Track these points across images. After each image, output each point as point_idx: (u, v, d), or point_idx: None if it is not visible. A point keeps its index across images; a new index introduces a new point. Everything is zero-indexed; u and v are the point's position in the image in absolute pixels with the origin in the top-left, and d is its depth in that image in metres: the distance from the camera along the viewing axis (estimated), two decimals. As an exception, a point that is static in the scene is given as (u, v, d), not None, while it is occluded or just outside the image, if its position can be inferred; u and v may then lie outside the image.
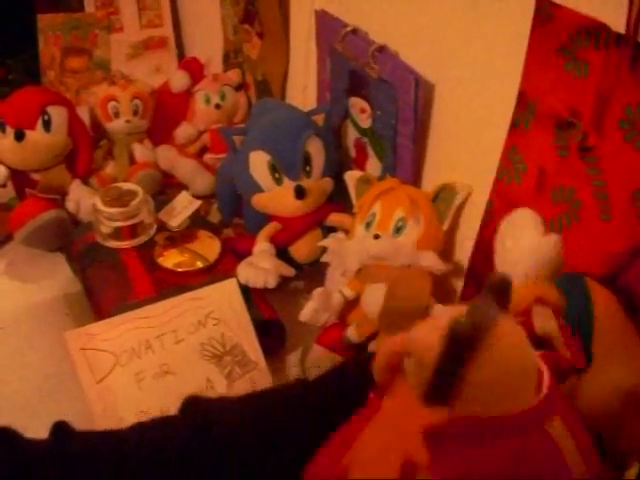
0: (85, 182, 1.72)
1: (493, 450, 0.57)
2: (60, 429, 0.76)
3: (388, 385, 0.69)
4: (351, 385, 0.81)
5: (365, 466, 0.63)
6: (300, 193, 1.38)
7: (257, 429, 0.79)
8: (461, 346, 0.53)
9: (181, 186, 1.78)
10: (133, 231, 1.43)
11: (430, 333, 0.58)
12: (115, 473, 0.72)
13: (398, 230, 1.23)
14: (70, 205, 1.65)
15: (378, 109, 1.35)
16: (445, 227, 1.24)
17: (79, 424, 0.81)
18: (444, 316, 0.58)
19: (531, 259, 0.91)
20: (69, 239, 1.54)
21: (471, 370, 0.54)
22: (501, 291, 0.56)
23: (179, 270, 1.37)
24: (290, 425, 0.81)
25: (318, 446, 0.72)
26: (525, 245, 0.92)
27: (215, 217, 1.71)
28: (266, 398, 0.88)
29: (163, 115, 1.91)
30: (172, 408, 0.85)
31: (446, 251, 1.29)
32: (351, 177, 1.38)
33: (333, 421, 0.74)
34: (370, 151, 1.44)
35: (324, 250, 1.36)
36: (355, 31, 1.34)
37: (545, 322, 0.84)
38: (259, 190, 1.41)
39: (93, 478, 0.71)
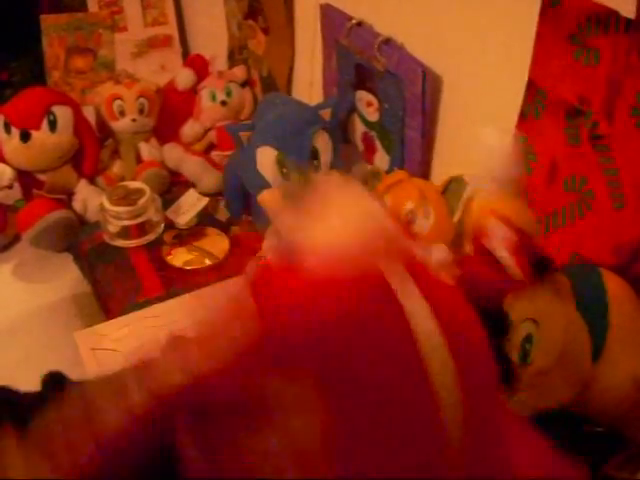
0: (92, 182, 1.71)
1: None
2: (52, 378, 0.73)
3: None
4: None
5: None
6: (308, 188, 1.37)
7: None
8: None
9: (188, 184, 1.77)
10: (141, 230, 1.42)
11: None
12: None
13: (408, 223, 1.22)
14: (77, 205, 1.65)
15: (385, 102, 1.34)
16: (455, 219, 1.23)
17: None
18: None
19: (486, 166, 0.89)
20: (77, 239, 1.53)
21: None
22: None
23: (188, 268, 1.36)
24: None
25: None
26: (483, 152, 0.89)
27: (223, 214, 1.70)
28: None
29: (169, 113, 1.90)
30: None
31: (457, 243, 1.28)
32: (359, 171, 1.37)
33: None
34: (378, 144, 1.43)
35: (334, 245, 1.34)
36: (360, 24, 1.33)
37: (492, 240, 0.82)
38: (267, 186, 1.40)
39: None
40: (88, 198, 1.65)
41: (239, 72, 1.92)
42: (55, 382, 0.73)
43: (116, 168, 1.78)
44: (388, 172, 1.39)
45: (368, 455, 0.56)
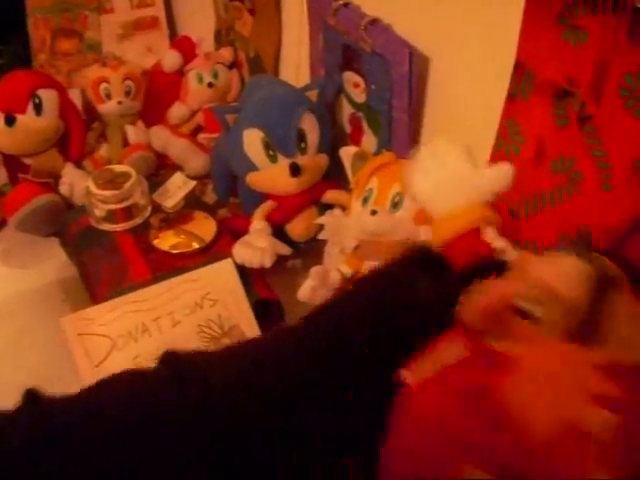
0: (78, 165, 1.70)
1: None
2: (29, 395, 0.69)
3: (488, 330, 0.66)
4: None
5: (547, 410, 0.58)
6: (295, 170, 1.36)
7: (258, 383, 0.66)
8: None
9: (175, 167, 1.77)
10: (127, 213, 1.41)
11: (557, 279, 0.63)
12: (85, 435, 0.64)
13: (395, 205, 1.22)
14: (64, 189, 1.63)
15: (372, 83, 1.33)
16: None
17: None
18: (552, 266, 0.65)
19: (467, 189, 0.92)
20: (63, 223, 1.52)
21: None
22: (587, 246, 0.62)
23: (175, 252, 1.35)
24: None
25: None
26: (456, 175, 0.92)
27: (211, 197, 1.69)
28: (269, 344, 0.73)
29: (156, 96, 1.89)
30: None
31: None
32: (347, 153, 1.36)
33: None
34: (365, 126, 1.42)
35: (321, 228, 1.34)
36: (347, 4, 1.32)
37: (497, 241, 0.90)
38: (254, 168, 1.39)
39: (63, 443, 0.64)
40: (75, 182, 1.64)
41: (226, 54, 1.91)
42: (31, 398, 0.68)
43: (103, 151, 1.77)
44: (375, 154, 1.38)
45: None
